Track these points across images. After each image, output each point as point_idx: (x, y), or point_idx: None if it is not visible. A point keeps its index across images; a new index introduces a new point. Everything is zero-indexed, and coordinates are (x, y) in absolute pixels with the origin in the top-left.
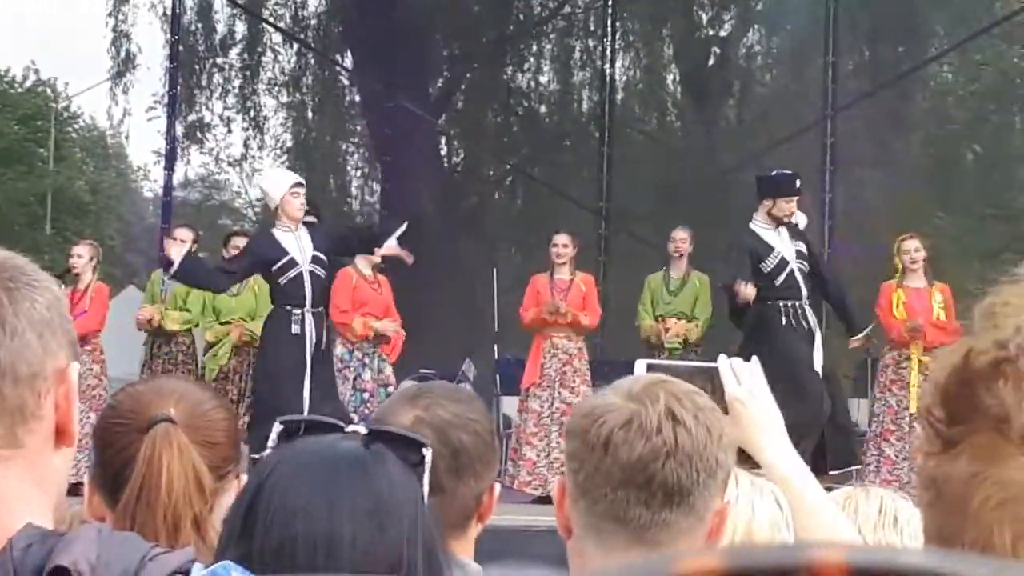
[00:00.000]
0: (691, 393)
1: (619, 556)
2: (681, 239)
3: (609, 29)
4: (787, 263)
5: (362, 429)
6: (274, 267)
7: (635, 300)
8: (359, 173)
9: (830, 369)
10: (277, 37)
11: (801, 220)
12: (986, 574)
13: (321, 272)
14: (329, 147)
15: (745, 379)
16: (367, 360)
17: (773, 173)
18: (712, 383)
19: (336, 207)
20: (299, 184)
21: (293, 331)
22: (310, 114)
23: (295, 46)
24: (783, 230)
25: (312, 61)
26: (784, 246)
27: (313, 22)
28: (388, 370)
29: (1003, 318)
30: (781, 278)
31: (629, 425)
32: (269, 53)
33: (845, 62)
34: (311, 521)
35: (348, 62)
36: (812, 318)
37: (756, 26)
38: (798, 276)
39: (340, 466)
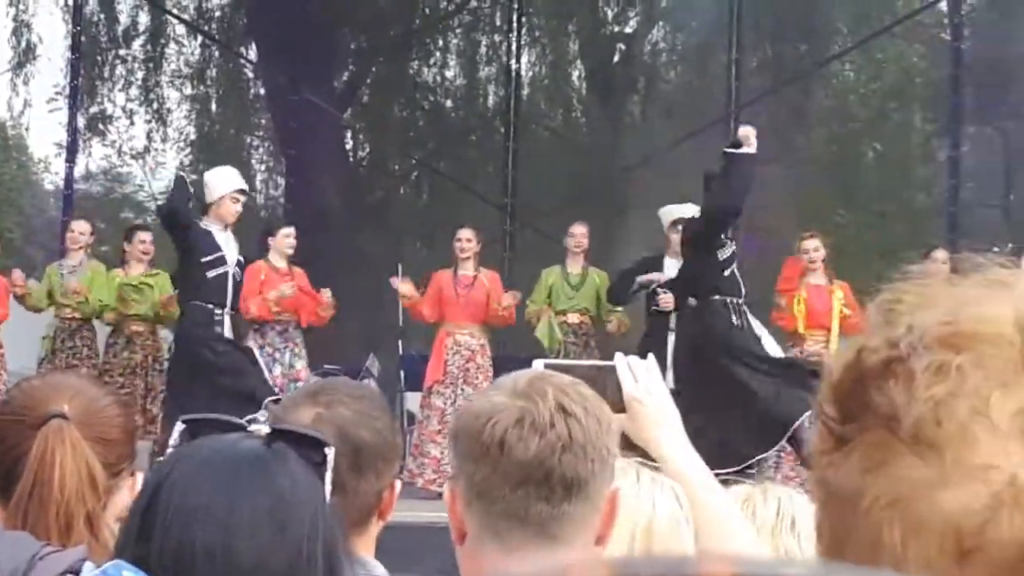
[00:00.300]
0: (575, 384)
1: (520, 554)
2: (581, 234)
3: (515, 24)
4: (735, 258)
5: (264, 428)
6: (203, 259)
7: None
8: (264, 167)
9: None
10: (181, 29)
11: (689, 211)
12: None
13: (240, 277)
14: (233, 140)
15: (642, 377)
16: (277, 355)
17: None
18: (609, 381)
19: None
20: (243, 191)
21: (216, 331)
22: (214, 107)
23: (199, 38)
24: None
25: (216, 53)
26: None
27: (217, 14)
28: (299, 364)
29: (896, 316)
30: (728, 272)
31: (521, 423)
32: (173, 45)
33: (749, 59)
34: (210, 519)
35: (253, 55)
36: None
37: (661, 23)
38: (736, 272)
39: (241, 465)
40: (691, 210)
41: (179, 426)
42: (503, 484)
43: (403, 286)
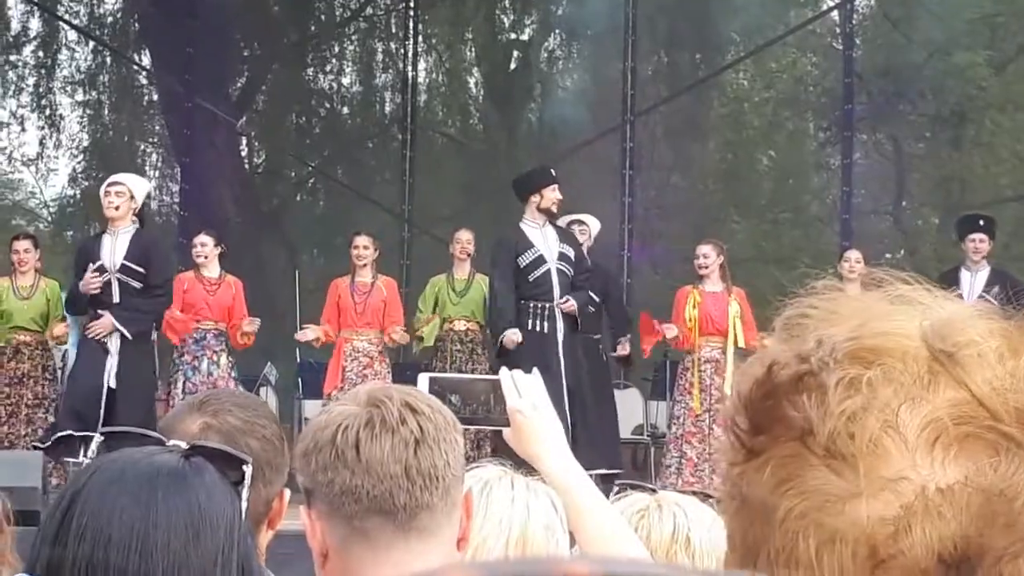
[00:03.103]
0: (415, 389)
1: (389, 552)
2: (466, 240)
3: (411, 31)
4: (544, 261)
5: (183, 444)
6: (90, 269)
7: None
8: (158, 174)
9: (579, 377)
10: (73, 35)
11: (594, 225)
12: None
13: (132, 281)
14: (127, 147)
15: (526, 391)
16: (196, 363)
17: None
18: (494, 395)
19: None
20: (114, 183)
21: (96, 340)
22: (107, 113)
23: (91, 44)
24: (550, 230)
25: (109, 60)
26: (546, 245)
27: (110, 20)
28: (217, 372)
29: (802, 330)
30: (536, 275)
31: (372, 424)
32: (65, 51)
33: (644, 67)
34: (124, 531)
35: (146, 61)
36: (562, 322)
37: (557, 30)
38: (554, 276)
39: (157, 477)
40: (588, 217)
41: (97, 438)
42: (364, 483)
43: (309, 332)
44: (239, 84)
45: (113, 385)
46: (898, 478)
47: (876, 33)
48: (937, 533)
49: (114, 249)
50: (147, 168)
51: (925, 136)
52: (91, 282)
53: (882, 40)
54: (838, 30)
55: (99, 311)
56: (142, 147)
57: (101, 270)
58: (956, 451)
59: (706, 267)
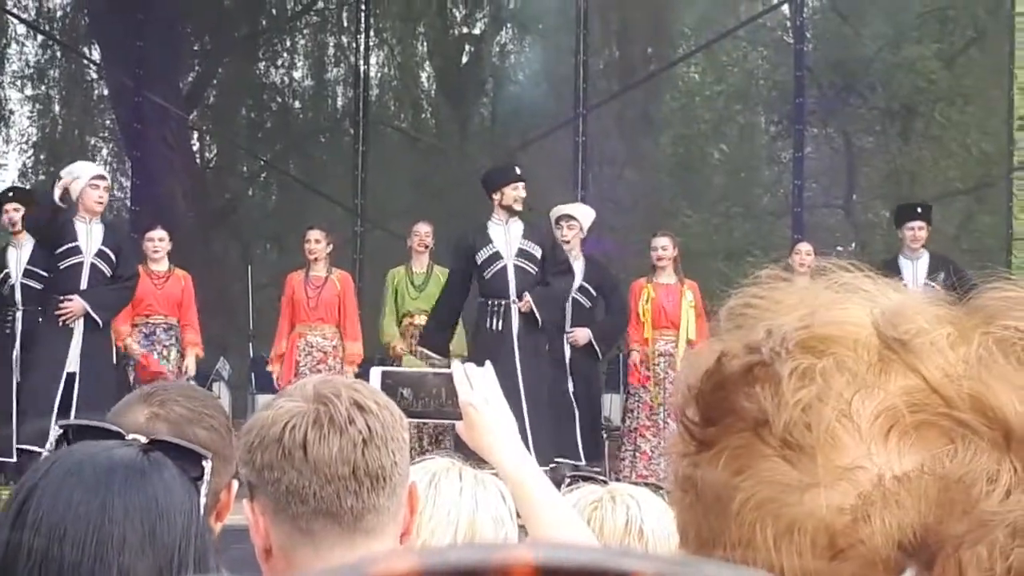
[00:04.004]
0: (360, 382)
1: (333, 552)
2: (425, 233)
3: (363, 25)
4: (501, 258)
5: (142, 438)
6: (57, 251)
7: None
8: (108, 168)
9: (538, 374)
10: (22, 29)
11: (585, 217)
12: (672, 570)
13: (104, 267)
14: (77, 141)
15: (478, 384)
16: (165, 352)
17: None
18: (446, 389)
19: None
20: (101, 176)
21: (58, 322)
22: (57, 108)
23: (40, 38)
24: (515, 227)
25: (58, 54)
26: (506, 242)
27: (59, 14)
28: (167, 367)
29: (749, 320)
30: (491, 272)
31: (320, 422)
32: (14, 45)
33: (596, 61)
34: (80, 524)
35: (96, 55)
36: (518, 319)
37: (509, 25)
38: (511, 274)
39: (115, 471)
40: (576, 208)
41: (55, 431)
42: (311, 484)
43: (275, 367)
44: (190, 78)
45: (73, 369)
46: (854, 467)
47: (826, 27)
48: (896, 521)
49: (90, 235)
50: (97, 163)
51: (875, 130)
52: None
53: (832, 34)
54: (788, 24)
55: (66, 296)
56: (92, 142)
57: (76, 251)
58: (912, 439)
59: (664, 259)
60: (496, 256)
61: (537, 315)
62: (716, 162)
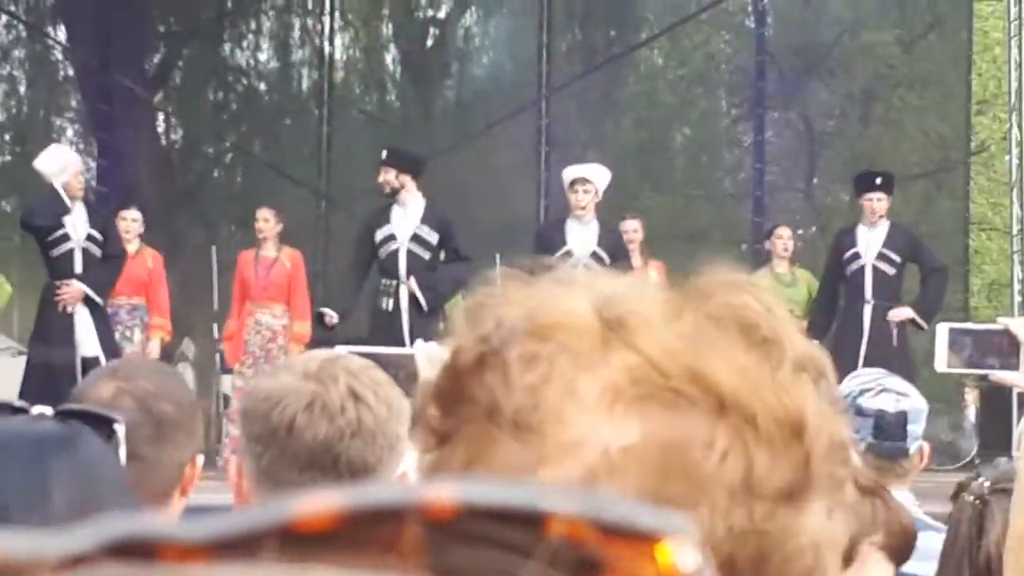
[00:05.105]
0: (367, 368)
1: None
2: None
3: (328, 7)
4: (394, 239)
5: (48, 410)
6: (48, 238)
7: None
8: (74, 149)
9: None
10: None
11: (600, 179)
12: (591, 506)
13: (95, 249)
14: (43, 123)
15: (438, 364)
16: (128, 333)
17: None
18: (408, 369)
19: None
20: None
21: (59, 308)
22: (22, 89)
23: (4, 18)
24: (414, 210)
25: (23, 34)
26: (403, 224)
27: None
28: (129, 347)
29: (481, 314)
30: (385, 252)
31: (312, 407)
32: None
33: (559, 44)
34: (21, 497)
35: (61, 36)
36: (405, 299)
37: (473, 7)
38: (402, 256)
39: (46, 442)
40: (590, 170)
41: None
42: (290, 467)
43: (226, 345)
44: (155, 60)
45: (90, 354)
46: (580, 442)
47: (787, 11)
48: (622, 490)
49: (75, 222)
50: (63, 144)
51: (835, 114)
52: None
53: (793, 19)
54: (750, 8)
55: (63, 281)
56: (58, 123)
57: (66, 238)
58: (635, 411)
59: (634, 241)
60: (391, 238)
61: (421, 299)
62: (678, 145)
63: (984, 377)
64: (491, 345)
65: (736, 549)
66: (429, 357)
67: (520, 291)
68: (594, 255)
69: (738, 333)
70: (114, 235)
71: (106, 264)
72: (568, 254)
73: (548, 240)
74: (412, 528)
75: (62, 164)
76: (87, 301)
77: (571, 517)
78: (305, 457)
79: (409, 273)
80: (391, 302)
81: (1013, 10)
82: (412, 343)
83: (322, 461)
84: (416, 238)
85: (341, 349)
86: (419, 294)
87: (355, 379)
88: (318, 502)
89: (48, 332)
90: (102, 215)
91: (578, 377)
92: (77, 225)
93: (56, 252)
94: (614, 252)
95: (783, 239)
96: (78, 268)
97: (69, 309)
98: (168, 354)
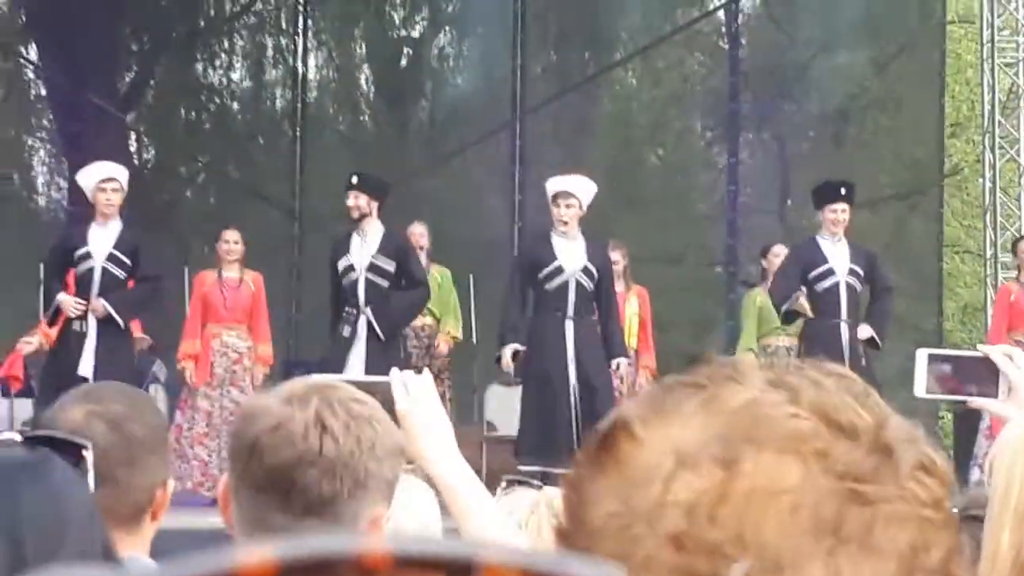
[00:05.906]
0: (348, 401)
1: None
2: (420, 233)
3: (301, 27)
4: (353, 269)
5: (16, 436)
6: (75, 253)
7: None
8: (46, 169)
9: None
10: None
11: (584, 193)
12: (526, 561)
13: (119, 272)
14: (14, 142)
15: (413, 391)
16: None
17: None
18: (384, 396)
19: (22, 204)
20: (109, 179)
21: (74, 328)
22: None
23: None
24: (373, 238)
25: None
26: (361, 253)
27: None
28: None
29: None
30: (346, 282)
31: (276, 430)
32: None
33: (533, 65)
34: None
35: (33, 55)
36: (363, 328)
37: (447, 28)
38: (361, 285)
39: (16, 469)
40: (575, 183)
41: None
42: (251, 486)
43: (186, 363)
44: (127, 79)
45: (85, 373)
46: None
47: (761, 33)
48: None
49: (103, 238)
50: (35, 163)
51: (808, 135)
52: (71, 307)
53: (766, 40)
54: (724, 30)
55: (80, 301)
56: (29, 142)
57: (87, 257)
58: None
59: (618, 265)
60: (350, 268)
61: (377, 329)
62: (652, 167)
63: (960, 402)
64: None
65: None
66: (404, 385)
67: None
68: (585, 270)
69: None
70: (149, 257)
71: (138, 286)
72: (559, 270)
73: (535, 256)
74: None
75: (84, 179)
76: (107, 322)
77: (504, 566)
78: (262, 479)
79: (367, 302)
80: (351, 330)
81: (986, 33)
82: (366, 371)
83: (279, 485)
84: (373, 267)
85: (318, 377)
86: (375, 324)
87: (328, 408)
88: (257, 554)
89: (60, 348)
90: (137, 236)
91: None
92: (100, 244)
93: (79, 270)
94: (602, 268)
95: (780, 258)
96: (95, 288)
97: (84, 328)
98: (140, 376)
